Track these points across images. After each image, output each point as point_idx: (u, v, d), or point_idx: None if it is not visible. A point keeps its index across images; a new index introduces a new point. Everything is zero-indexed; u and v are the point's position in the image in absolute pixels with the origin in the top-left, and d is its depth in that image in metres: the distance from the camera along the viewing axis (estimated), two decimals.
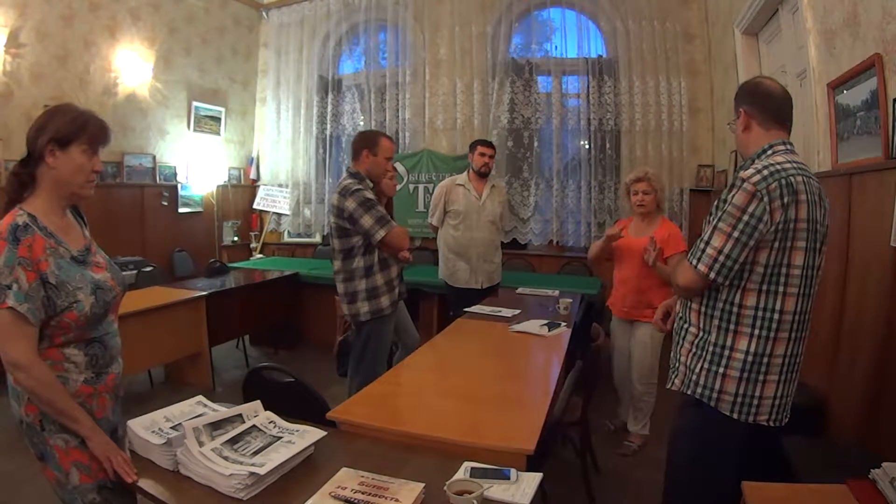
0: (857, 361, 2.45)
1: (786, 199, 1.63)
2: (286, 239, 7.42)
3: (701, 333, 1.83)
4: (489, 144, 4.41)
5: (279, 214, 7.34)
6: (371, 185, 3.12)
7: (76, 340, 1.60)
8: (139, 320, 3.76)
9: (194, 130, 6.64)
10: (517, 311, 3.62)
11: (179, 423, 1.68)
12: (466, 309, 3.72)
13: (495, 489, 1.47)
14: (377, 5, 6.57)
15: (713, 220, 1.74)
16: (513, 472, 1.55)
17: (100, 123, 1.63)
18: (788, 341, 1.72)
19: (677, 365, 1.92)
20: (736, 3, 4.31)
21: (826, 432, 2.59)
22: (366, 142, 3.15)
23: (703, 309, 1.83)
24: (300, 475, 1.57)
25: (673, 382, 1.93)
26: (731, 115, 1.94)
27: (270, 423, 1.76)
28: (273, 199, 7.29)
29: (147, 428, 1.69)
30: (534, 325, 3.22)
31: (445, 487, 1.39)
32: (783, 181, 1.63)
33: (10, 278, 1.44)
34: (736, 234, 1.66)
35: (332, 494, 1.44)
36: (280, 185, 7.28)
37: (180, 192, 6.50)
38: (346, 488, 1.46)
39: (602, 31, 5.93)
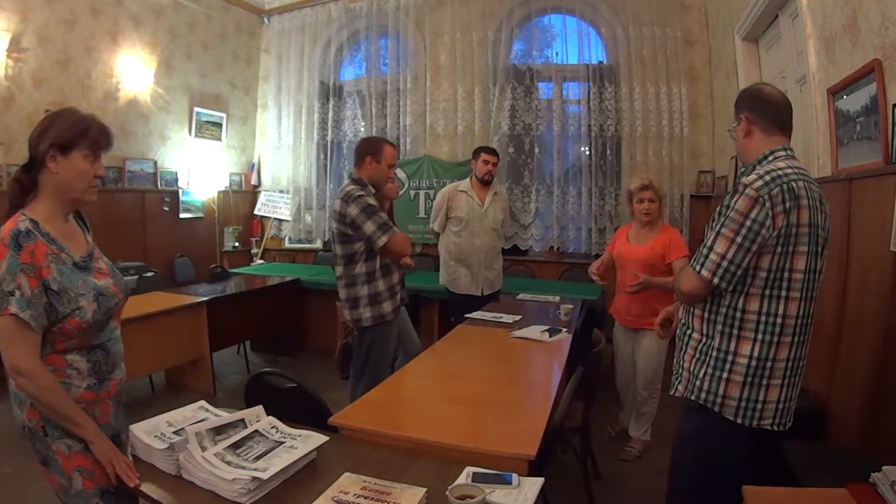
0: (857, 365, 2.45)
1: (788, 204, 1.64)
2: (287, 245, 7.42)
3: (704, 339, 1.84)
4: (493, 152, 4.37)
5: (280, 220, 7.35)
6: (373, 191, 3.13)
7: (78, 347, 1.59)
8: (140, 326, 3.75)
9: (195, 136, 6.65)
10: (518, 317, 3.62)
11: (182, 428, 1.69)
12: (467, 315, 3.72)
13: (497, 494, 1.47)
14: (378, 12, 6.59)
15: (716, 225, 1.75)
16: (514, 477, 1.55)
17: (101, 128, 1.63)
18: (791, 345, 1.73)
19: (680, 371, 1.92)
20: (736, 9, 4.33)
21: (827, 436, 2.59)
22: (369, 148, 3.16)
23: (706, 314, 1.84)
24: (302, 480, 1.57)
25: (676, 388, 1.94)
26: (731, 122, 1.95)
27: (272, 428, 1.76)
28: (274, 205, 7.30)
29: (149, 433, 1.69)
30: (535, 331, 3.22)
31: (447, 492, 1.39)
32: (785, 186, 1.64)
33: (12, 284, 1.44)
34: (739, 239, 1.67)
35: (335, 499, 1.44)
36: (281, 191, 7.29)
37: (181, 198, 6.50)
38: (348, 493, 1.46)
39: (602, 37, 5.94)
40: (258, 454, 1.59)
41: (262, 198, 7.38)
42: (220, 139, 7.00)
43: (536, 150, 6.09)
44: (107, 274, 1.70)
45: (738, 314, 1.75)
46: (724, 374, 1.77)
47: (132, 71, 5.78)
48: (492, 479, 1.53)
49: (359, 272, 3.07)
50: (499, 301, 4.33)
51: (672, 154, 5.60)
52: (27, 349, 1.47)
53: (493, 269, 4.38)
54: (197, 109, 6.63)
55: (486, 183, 4.34)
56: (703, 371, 1.82)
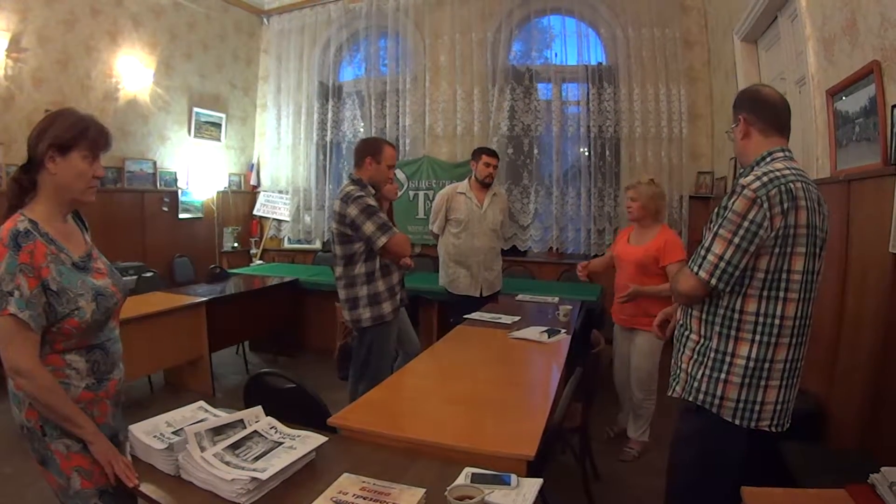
0: (856, 366, 2.45)
1: (786, 206, 1.64)
2: (286, 245, 7.43)
3: (702, 340, 1.84)
4: (494, 154, 4.33)
5: (279, 221, 7.35)
6: (373, 191, 3.12)
7: (77, 347, 1.59)
8: (139, 326, 3.75)
9: (195, 136, 6.65)
10: (517, 318, 3.62)
11: (181, 429, 1.68)
12: (466, 316, 3.72)
13: (496, 494, 1.47)
14: (378, 12, 6.60)
15: (713, 226, 1.75)
16: (513, 477, 1.55)
17: (100, 128, 1.63)
18: (789, 346, 1.73)
19: (678, 372, 1.92)
20: (735, 10, 4.34)
21: (826, 437, 2.59)
22: (369, 149, 3.16)
23: (703, 316, 1.84)
24: (301, 480, 1.57)
25: (674, 389, 1.93)
26: (730, 123, 1.95)
27: (272, 428, 1.76)
28: (273, 206, 7.30)
29: (149, 433, 1.69)
30: (534, 332, 3.21)
31: (446, 493, 1.39)
32: (783, 187, 1.64)
33: (11, 285, 1.44)
34: (737, 240, 1.67)
35: (334, 500, 1.44)
36: (280, 192, 7.30)
37: (181, 198, 6.51)
38: (347, 494, 1.46)
39: (602, 38, 5.95)
40: (257, 454, 1.59)
41: (261, 198, 7.38)
42: (219, 139, 7.00)
43: (535, 151, 6.10)
44: (105, 274, 1.70)
45: (736, 315, 1.75)
46: (722, 376, 1.77)
47: (132, 71, 5.77)
48: (490, 479, 1.53)
49: (358, 273, 3.07)
50: (498, 302, 4.32)
51: (671, 155, 5.61)
52: (26, 349, 1.47)
53: (492, 270, 4.37)
54: (196, 110, 6.63)
55: (485, 185, 4.31)
56: (700, 372, 1.82)
